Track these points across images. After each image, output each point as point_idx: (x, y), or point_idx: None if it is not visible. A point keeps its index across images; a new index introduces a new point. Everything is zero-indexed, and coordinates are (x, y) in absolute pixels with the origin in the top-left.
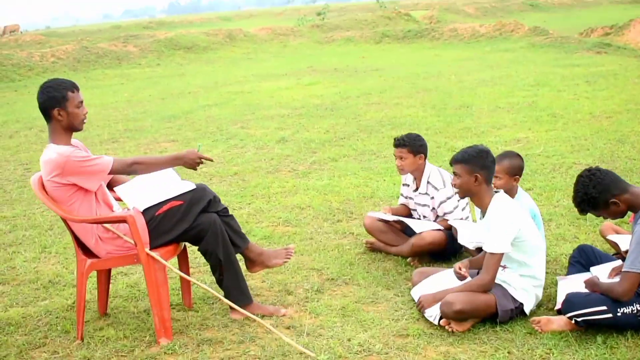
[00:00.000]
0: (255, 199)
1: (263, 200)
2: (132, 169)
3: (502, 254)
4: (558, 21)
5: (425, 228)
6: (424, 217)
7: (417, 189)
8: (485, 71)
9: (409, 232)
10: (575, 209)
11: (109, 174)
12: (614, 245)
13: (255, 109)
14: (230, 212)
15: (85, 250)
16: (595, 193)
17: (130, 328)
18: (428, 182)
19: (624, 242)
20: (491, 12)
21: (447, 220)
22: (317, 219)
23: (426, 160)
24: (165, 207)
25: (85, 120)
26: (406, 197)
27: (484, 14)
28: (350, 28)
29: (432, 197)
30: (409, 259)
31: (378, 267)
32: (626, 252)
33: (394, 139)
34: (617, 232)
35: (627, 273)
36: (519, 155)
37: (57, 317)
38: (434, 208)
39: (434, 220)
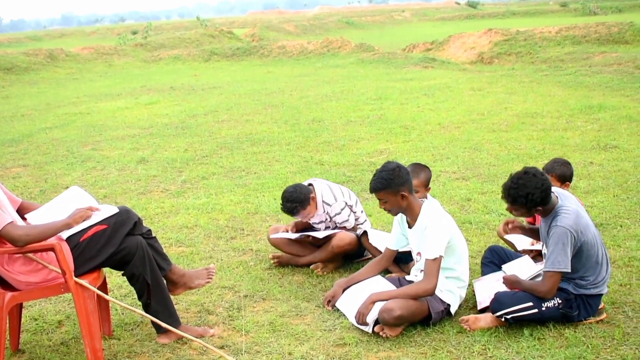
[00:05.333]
0: None
1: (145, 222)
2: (21, 238)
3: (441, 257)
4: (375, 38)
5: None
6: (327, 227)
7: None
8: (324, 86)
9: (314, 240)
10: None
11: None
12: (511, 244)
13: (102, 130)
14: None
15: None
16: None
17: None
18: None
19: (519, 241)
20: (310, 29)
21: (346, 227)
22: (210, 238)
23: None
24: (89, 233)
25: None
26: None
27: (303, 31)
28: (175, 46)
29: (327, 212)
30: (312, 266)
31: (291, 281)
32: (524, 250)
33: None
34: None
35: (549, 272)
36: (426, 166)
37: None
38: (330, 219)
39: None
